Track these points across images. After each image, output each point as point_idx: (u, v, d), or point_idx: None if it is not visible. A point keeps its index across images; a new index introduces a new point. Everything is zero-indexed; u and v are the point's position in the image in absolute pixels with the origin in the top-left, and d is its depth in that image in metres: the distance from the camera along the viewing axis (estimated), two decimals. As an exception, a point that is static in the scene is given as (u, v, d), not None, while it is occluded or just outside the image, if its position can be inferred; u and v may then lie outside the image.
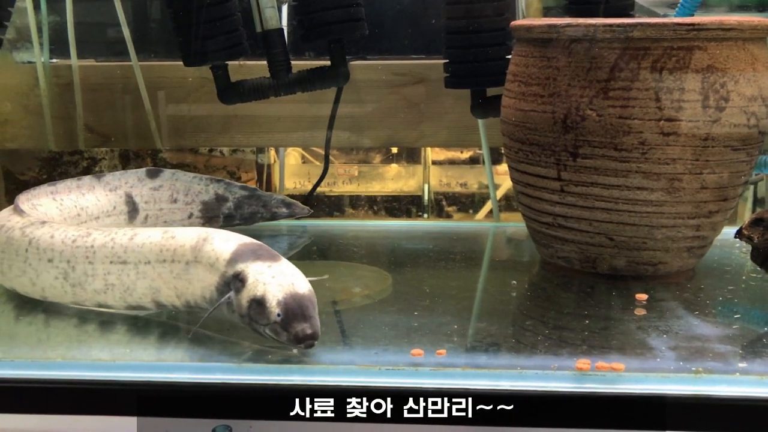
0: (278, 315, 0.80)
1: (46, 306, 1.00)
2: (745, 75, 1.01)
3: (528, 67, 1.08)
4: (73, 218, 1.15)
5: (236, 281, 0.84)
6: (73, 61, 1.52)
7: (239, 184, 1.31)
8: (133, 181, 1.24)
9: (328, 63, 1.36)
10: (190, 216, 1.29)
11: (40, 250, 0.95)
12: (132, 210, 1.23)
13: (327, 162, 1.53)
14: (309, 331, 0.80)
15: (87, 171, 1.55)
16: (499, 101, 1.16)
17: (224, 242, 0.88)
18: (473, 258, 1.26)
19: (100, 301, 0.94)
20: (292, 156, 1.79)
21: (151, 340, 0.92)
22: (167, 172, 1.27)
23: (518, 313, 1.01)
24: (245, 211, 1.30)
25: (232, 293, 0.84)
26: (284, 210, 1.31)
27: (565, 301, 1.05)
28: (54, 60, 1.55)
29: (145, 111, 1.49)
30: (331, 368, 0.81)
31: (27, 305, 1.01)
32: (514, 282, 1.11)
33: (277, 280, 0.83)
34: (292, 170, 1.77)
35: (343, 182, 1.73)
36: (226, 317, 0.87)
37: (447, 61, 1.36)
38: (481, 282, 1.15)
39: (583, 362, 0.80)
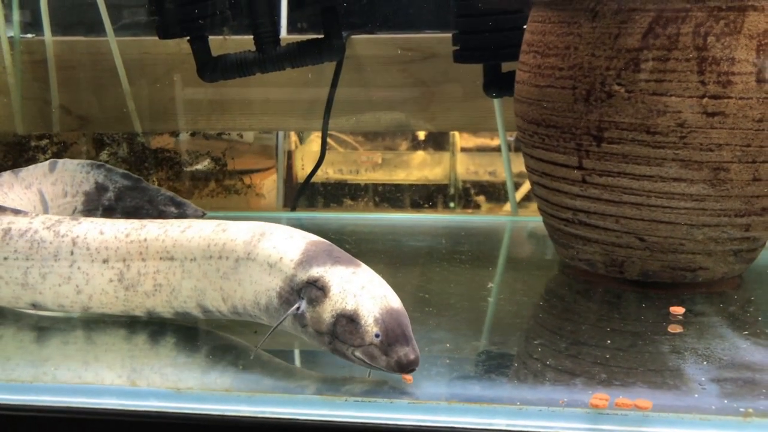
0: (376, 335, 0.70)
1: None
2: (810, 42, 0.86)
3: (545, 35, 0.98)
4: None
5: (313, 289, 0.72)
6: (47, 36, 1.40)
7: (121, 171, 1.16)
8: (40, 177, 1.11)
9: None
10: (74, 210, 1.14)
11: (92, 250, 0.84)
12: (45, 209, 1.10)
13: (324, 149, 1.42)
14: (412, 356, 0.70)
15: (56, 157, 1.43)
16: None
17: (288, 239, 0.77)
18: (482, 258, 1.14)
19: (149, 307, 0.83)
20: (315, 142, 1.69)
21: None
22: (59, 163, 1.13)
23: (526, 328, 0.91)
24: (127, 203, 1.16)
25: (303, 303, 0.72)
26: (173, 209, 1.18)
27: (585, 313, 0.95)
28: (30, 35, 1.44)
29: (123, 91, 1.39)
30: (286, 398, 0.70)
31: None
32: (526, 289, 1.00)
33: (368, 291, 0.72)
34: (315, 157, 1.66)
35: (366, 170, 1.64)
36: (288, 330, 0.75)
37: (456, 31, 1.24)
38: (487, 289, 1.00)
39: (600, 397, 0.69)
